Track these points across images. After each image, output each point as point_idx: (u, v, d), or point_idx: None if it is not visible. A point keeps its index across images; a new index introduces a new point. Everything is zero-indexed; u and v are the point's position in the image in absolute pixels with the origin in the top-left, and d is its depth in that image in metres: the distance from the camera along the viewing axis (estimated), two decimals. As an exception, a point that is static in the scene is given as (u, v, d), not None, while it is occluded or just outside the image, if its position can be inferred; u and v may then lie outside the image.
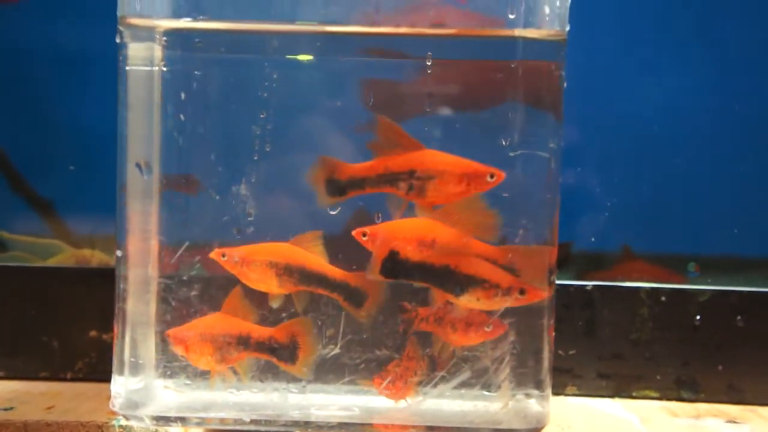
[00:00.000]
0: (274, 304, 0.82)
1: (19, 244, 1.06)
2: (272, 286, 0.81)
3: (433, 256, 0.79)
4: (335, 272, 0.81)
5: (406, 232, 0.79)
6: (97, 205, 1.05)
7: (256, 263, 0.81)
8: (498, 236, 0.80)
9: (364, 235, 0.80)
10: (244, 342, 0.82)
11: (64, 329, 1.00)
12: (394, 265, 0.80)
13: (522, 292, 0.79)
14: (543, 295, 0.80)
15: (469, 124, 0.83)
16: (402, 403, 0.82)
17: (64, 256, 1.06)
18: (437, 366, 0.82)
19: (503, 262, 0.80)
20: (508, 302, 0.79)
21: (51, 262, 1.05)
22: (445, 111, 0.83)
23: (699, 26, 1.05)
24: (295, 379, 0.83)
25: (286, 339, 0.82)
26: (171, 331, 0.82)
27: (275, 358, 0.82)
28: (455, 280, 0.79)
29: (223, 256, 0.81)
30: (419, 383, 0.82)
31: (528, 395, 0.82)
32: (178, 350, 0.82)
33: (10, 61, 1.06)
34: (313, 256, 0.81)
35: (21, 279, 1.01)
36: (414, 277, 0.80)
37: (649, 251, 1.06)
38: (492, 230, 0.80)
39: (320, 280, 0.81)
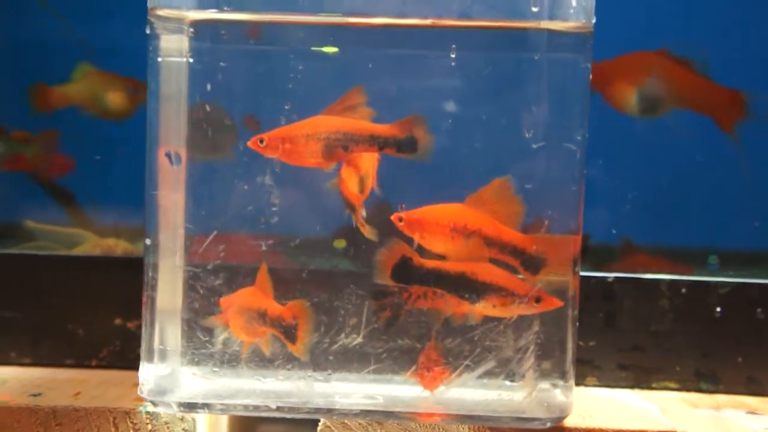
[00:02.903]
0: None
1: (45, 233, 1.08)
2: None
3: (449, 263, 0.80)
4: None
5: (440, 217, 0.80)
6: (121, 195, 1.07)
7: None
8: (522, 223, 0.81)
9: (401, 220, 0.81)
10: (262, 317, 0.83)
11: (89, 317, 1.01)
12: (408, 270, 0.81)
13: (538, 300, 0.80)
14: (558, 303, 0.81)
15: (495, 115, 0.83)
16: (436, 392, 0.83)
17: (89, 246, 1.07)
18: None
19: (531, 251, 0.81)
20: (525, 310, 0.80)
21: (76, 252, 1.06)
22: (471, 103, 0.83)
23: (720, 19, 1.05)
24: (320, 367, 0.84)
25: (290, 318, 0.83)
26: (221, 300, 0.84)
27: (283, 335, 0.83)
28: (472, 287, 0.80)
29: (261, 142, 0.82)
30: (451, 371, 0.83)
31: (553, 385, 0.83)
32: (221, 321, 0.84)
33: (33, 50, 1.07)
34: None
35: (46, 267, 1.02)
36: (428, 283, 0.81)
37: (667, 245, 1.07)
38: (518, 218, 0.81)
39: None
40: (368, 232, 0.82)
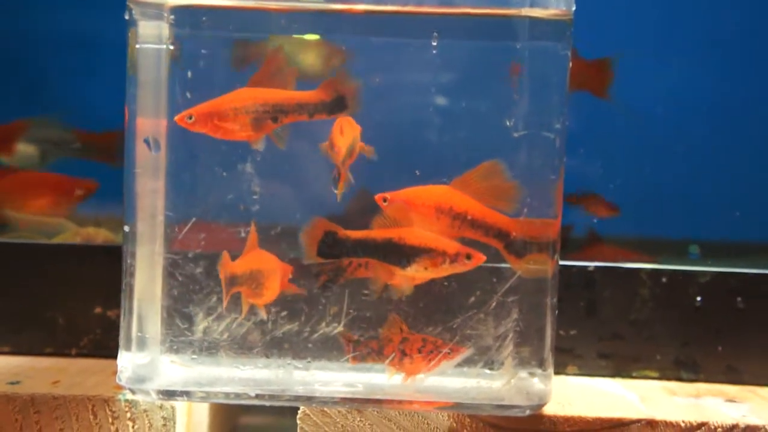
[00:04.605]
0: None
1: (24, 223, 1.07)
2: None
3: (375, 232, 0.80)
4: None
5: (426, 198, 0.80)
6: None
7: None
8: (516, 208, 0.81)
9: (385, 200, 0.81)
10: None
11: (69, 306, 1.01)
12: (334, 245, 0.80)
13: (468, 257, 0.80)
14: (483, 258, 0.80)
15: (475, 103, 0.83)
16: (414, 379, 0.82)
17: (69, 235, 1.07)
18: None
19: (516, 234, 0.81)
20: (456, 268, 0.80)
21: (56, 240, 1.05)
22: (451, 91, 0.83)
23: (704, 13, 1.05)
24: (300, 355, 0.84)
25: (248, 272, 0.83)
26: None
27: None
28: (401, 253, 0.80)
29: (190, 118, 0.81)
30: (427, 356, 0.83)
31: (531, 374, 0.83)
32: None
33: (17, 42, 1.07)
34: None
35: (26, 256, 1.01)
36: (357, 254, 0.81)
37: (649, 235, 1.07)
38: (510, 202, 0.81)
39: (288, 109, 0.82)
40: (339, 190, 0.81)
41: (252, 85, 0.81)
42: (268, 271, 0.82)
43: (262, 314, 0.83)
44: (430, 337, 0.82)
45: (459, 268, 0.80)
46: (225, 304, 0.83)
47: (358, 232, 0.81)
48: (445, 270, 0.80)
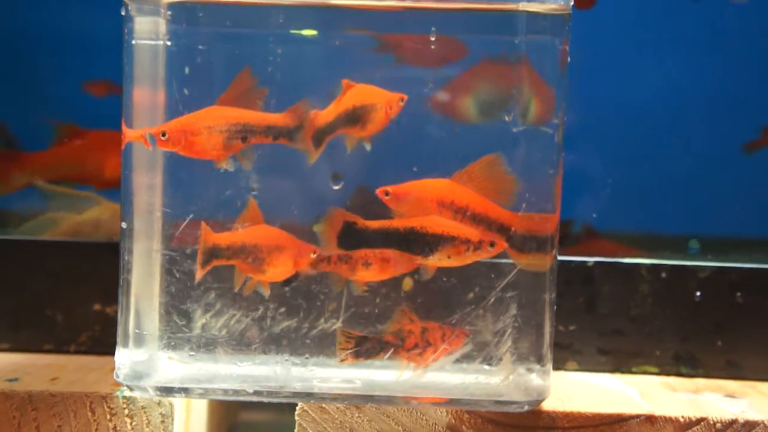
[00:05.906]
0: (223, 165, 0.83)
1: (55, 196, 1.06)
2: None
3: (396, 221, 0.80)
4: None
5: (428, 192, 0.80)
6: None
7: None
8: (516, 202, 0.81)
9: (387, 194, 0.80)
10: None
11: (68, 303, 1.01)
12: (354, 236, 0.80)
13: (492, 244, 0.79)
14: (505, 245, 0.80)
15: (474, 99, 0.83)
16: (414, 375, 0.82)
17: (99, 210, 1.06)
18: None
19: (517, 228, 0.80)
20: (480, 255, 0.80)
21: (86, 216, 1.05)
22: (449, 87, 0.83)
23: (701, 8, 1.05)
24: (297, 352, 0.84)
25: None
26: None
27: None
28: (423, 242, 0.79)
29: (163, 135, 0.81)
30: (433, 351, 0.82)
31: (529, 369, 0.83)
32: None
33: (17, 39, 1.06)
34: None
35: (25, 252, 1.01)
36: (377, 245, 0.80)
37: (648, 231, 1.07)
38: (509, 195, 0.80)
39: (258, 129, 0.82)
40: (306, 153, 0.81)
41: (221, 104, 0.82)
42: (271, 247, 0.82)
43: (265, 291, 0.83)
44: (447, 326, 0.82)
45: (482, 255, 0.79)
46: (198, 276, 0.82)
47: (377, 222, 0.80)
48: (469, 258, 0.79)
